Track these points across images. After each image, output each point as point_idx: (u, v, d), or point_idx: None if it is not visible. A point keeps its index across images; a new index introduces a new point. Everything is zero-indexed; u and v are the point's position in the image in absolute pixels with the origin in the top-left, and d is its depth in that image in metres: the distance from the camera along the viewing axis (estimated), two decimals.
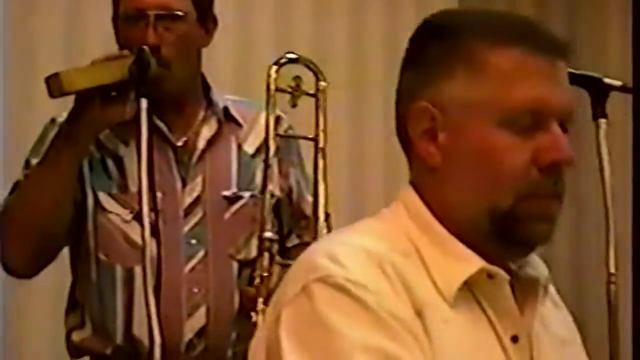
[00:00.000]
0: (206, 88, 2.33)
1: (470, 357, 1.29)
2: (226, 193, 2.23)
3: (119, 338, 2.20)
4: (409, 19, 3.81)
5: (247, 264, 2.23)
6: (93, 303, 2.22)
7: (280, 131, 2.30)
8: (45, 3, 3.26)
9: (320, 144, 2.20)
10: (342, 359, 1.20)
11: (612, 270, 1.95)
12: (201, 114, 2.30)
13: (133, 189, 2.15)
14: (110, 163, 2.22)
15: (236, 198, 2.27)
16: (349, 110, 3.72)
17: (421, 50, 1.37)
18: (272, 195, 2.24)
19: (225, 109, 2.31)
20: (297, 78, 2.20)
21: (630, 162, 2.02)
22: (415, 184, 1.38)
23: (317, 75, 2.21)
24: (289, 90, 2.17)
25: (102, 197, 2.21)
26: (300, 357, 1.22)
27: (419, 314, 1.26)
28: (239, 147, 2.31)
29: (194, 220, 2.23)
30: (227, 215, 2.25)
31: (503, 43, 1.31)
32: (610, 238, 1.95)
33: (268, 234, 2.07)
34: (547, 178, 1.30)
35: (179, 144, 2.26)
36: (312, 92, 2.22)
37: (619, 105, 2.09)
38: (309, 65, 2.22)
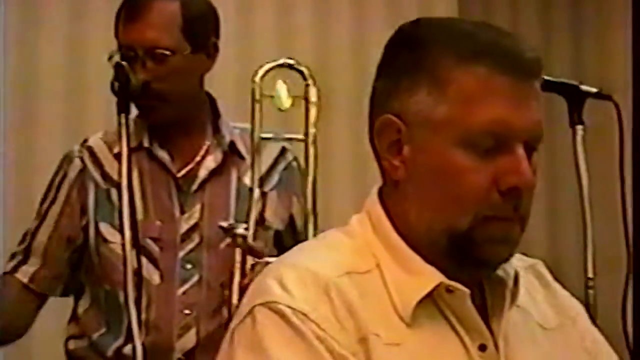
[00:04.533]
0: (216, 115, 2.35)
1: None
2: (223, 224, 2.22)
3: (110, 353, 2.25)
4: None
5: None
6: (95, 325, 2.28)
7: (284, 163, 2.34)
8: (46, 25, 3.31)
9: (311, 150, 2.15)
10: None
11: (590, 275, 1.96)
12: (206, 144, 2.31)
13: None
14: (113, 193, 2.24)
15: (232, 229, 2.24)
16: (352, 116, 3.74)
17: (392, 59, 1.36)
18: (270, 228, 2.29)
19: (232, 143, 2.32)
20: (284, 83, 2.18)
21: (617, 166, 2.03)
22: (381, 194, 1.37)
23: (307, 79, 2.18)
24: (272, 95, 2.16)
25: (103, 227, 2.26)
26: None
27: (363, 341, 1.27)
28: (239, 179, 2.32)
29: (190, 245, 2.27)
30: (223, 245, 2.25)
31: (468, 60, 1.28)
32: (588, 243, 1.96)
33: (240, 230, 2.07)
34: (507, 201, 1.28)
35: (180, 175, 2.29)
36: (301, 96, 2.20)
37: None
38: (299, 70, 2.19)
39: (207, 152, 2.30)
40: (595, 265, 1.96)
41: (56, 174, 2.32)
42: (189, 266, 2.26)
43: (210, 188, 2.29)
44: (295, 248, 1.42)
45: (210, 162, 2.30)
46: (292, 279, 1.29)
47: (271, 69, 2.15)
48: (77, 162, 2.29)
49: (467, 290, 1.31)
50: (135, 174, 2.20)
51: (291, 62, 2.17)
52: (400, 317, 1.29)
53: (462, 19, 1.44)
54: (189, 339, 2.25)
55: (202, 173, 2.29)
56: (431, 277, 1.30)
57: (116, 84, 1.91)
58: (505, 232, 1.30)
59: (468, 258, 1.30)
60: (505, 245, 1.31)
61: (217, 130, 2.32)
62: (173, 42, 2.21)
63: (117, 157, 2.10)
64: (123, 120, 1.88)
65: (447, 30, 1.34)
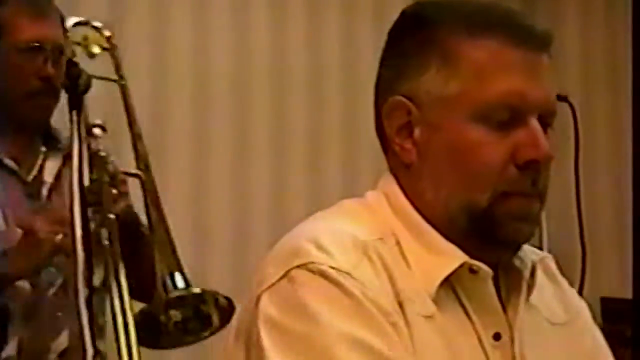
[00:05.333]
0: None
1: (450, 355, 1.26)
2: None
3: None
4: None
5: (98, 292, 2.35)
6: None
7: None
8: None
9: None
10: (324, 351, 1.18)
11: None
12: (43, 149, 2.37)
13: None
14: None
15: None
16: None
17: (397, 43, 1.34)
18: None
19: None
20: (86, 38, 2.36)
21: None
22: (395, 177, 1.34)
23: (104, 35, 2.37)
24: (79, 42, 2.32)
25: None
26: (279, 350, 1.20)
27: (400, 305, 1.24)
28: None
29: None
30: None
31: (478, 34, 1.27)
32: (544, 240, 1.97)
33: None
34: (525, 176, 1.26)
35: (29, 179, 2.33)
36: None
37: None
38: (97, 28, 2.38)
39: (45, 158, 2.36)
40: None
41: None
42: (52, 269, 2.30)
43: (58, 192, 2.34)
44: (312, 217, 1.36)
45: (53, 168, 2.36)
46: (329, 240, 1.25)
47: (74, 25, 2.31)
48: None
49: (490, 271, 1.28)
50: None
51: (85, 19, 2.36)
52: (426, 292, 1.27)
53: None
54: (62, 341, 2.30)
55: (48, 178, 2.35)
56: (454, 255, 1.28)
57: (66, 80, 1.89)
58: (526, 208, 1.28)
59: (489, 236, 1.28)
60: (526, 222, 1.29)
61: (50, 136, 2.38)
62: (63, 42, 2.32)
63: None
64: (75, 118, 1.85)
65: (454, 8, 1.32)
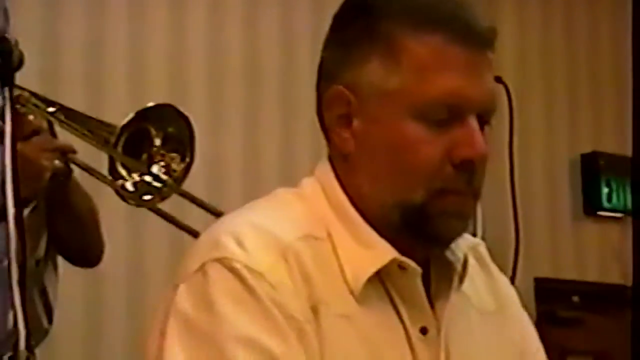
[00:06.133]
0: None
1: (369, 352, 1.25)
2: None
3: None
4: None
5: (37, 263, 2.45)
6: None
7: None
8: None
9: None
10: (218, 345, 1.18)
11: None
12: None
13: None
14: None
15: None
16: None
17: (341, 29, 1.32)
18: None
19: None
20: None
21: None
22: (332, 165, 1.33)
23: None
24: None
25: None
26: (179, 337, 1.20)
27: (314, 309, 1.24)
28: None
29: None
30: None
31: (423, 29, 1.25)
32: (478, 224, 1.98)
33: None
34: (461, 174, 1.26)
35: None
36: None
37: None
38: None
39: None
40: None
41: None
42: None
43: None
44: (245, 206, 1.35)
45: None
46: (250, 237, 1.24)
47: None
48: None
49: (419, 268, 1.28)
50: None
51: None
52: (350, 290, 1.26)
53: None
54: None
55: None
56: (385, 251, 1.27)
57: None
58: (460, 206, 1.28)
59: (421, 233, 1.28)
60: (460, 219, 1.29)
61: None
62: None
63: None
64: (7, 94, 1.82)
65: (401, 0, 1.30)
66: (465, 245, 1.37)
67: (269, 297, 1.21)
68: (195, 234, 2.32)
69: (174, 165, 2.45)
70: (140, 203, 2.47)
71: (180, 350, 1.20)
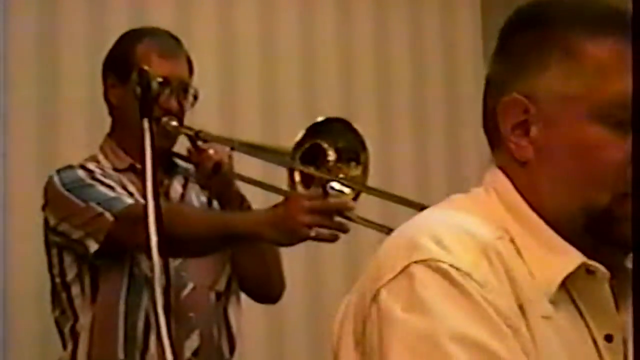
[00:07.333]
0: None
1: (569, 355, 1.23)
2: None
3: None
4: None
5: (219, 296, 2.55)
6: None
7: None
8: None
9: None
10: (437, 345, 1.15)
11: None
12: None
13: None
14: None
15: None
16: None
17: (512, 41, 1.32)
18: None
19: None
20: None
21: None
22: (504, 172, 1.31)
23: None
24: None
25: None
26: (399, 343, 1.17)
27: (521, 307, 1.21)
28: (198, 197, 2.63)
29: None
30: None
31: (599, 33, 1.26)
32: None
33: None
34: None
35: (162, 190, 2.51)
36: None
37: None
38: None
39: (171, 178, 2.61)
40: None
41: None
42: (183, 274, 2.47)
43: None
44: (425, 211, 1.34)
45: (177, 187, 2.60)
46: (449, 237, 1.22)
47: None
48: None
49: (607, 272, 1.25)
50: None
51: None
52: (544, 292, 1.24)
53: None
54: (194, 340, 2.48)
55: (175, 194, 2.59)
56: (572, 256, 1.25)
57: (138, 89, 1.90)
58: None
59: (608, 236, 1.25)
60: None
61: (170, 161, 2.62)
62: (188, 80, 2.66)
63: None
64: (147, 125, 1.86)
65: (570, 6, 1.30)
66: None
67: (480, 295, 1.18)
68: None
69: (352, 172, 2.48)
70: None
71: (403, 350, 1.17)
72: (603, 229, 1.25)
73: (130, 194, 2.44)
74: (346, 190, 2.44)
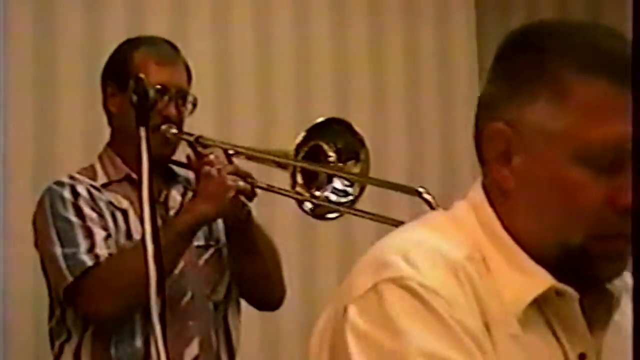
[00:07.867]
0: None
1: None
2: (198, 243, 2.53)
3: None
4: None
5: (217, 304, 2.57)
6: None
7: None
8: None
9: None
10: None
11: None
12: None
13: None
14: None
15: (206, 247, 2.57)
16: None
17: (504, 64, 1.31)
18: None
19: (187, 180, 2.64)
20: None
21: None
22: (486, 192, 1.32)
23: None
24: None
25: None
26: (362, 355, 1.19)
27: (487, 327, 1.23)
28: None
29: (179, 267, 2.48)
30: (201, 262, 2.55)
31: (591, 71, 1.23)
32: None
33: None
34: (623, 220, 1.23)
35: (161, 199, 2.56)
36: None
37: None
38: None
39: (169, 187, 2.62)
40: None
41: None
42: (182, 282, 2.50)
43: None
44: (399, 228, 1.36)
45: (176, 196, 2.61)
46: (419, 255, 1.23)
47: None
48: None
49: (576, 294, 1.26)
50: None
51: None
52: (512, 312, 1.25)
53: (576, 21, 1.36)
54: (194, 348, 2.50)
55: (174, 203, 2.58)
56: (542, 278, 1.26)
57: (134, 97, 1.91)
58: (622, 249, 1.25)
59: (580, 273, 1.26)
60: (621, 262, 1.26)
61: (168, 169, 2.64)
62: (186, 88, 2.68)
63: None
64: (144, 134, 1.86)
65: (566, 38, 1.28)
66: None
67: (448, 313, 1.20)
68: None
69: (353, 170, 2.51)
70: (346, 211, 2.53)
71: None
72: (576, 265, 1.26)
73: (115, 220, 2.47)
74: (349, 190, 2.47)
